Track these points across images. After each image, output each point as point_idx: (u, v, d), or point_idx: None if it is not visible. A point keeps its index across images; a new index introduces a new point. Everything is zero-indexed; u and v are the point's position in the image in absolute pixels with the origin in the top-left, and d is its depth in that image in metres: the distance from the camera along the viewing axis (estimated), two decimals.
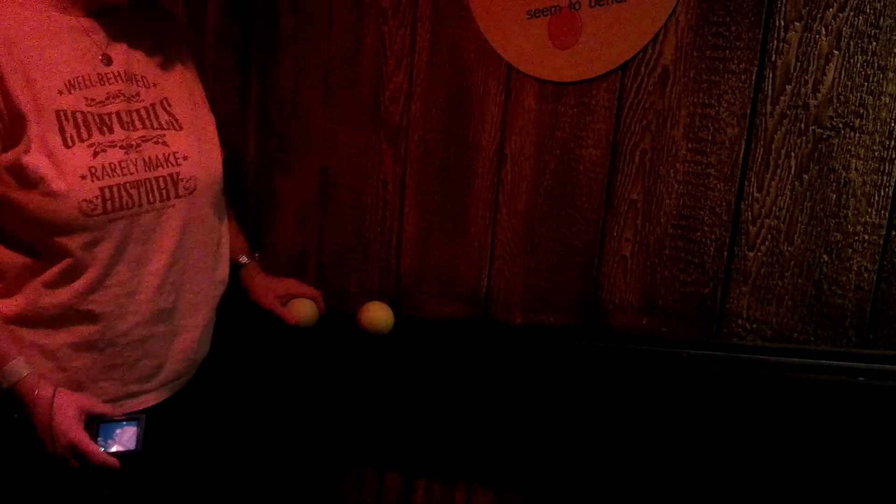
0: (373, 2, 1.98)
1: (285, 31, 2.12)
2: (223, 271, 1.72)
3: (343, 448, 2.13)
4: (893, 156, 1.43)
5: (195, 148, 1.58)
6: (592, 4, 1.70)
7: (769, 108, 1.54)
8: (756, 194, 1.57)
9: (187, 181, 1.55)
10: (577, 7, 1.71)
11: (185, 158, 1.55)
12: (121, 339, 1.52)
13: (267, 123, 2.18)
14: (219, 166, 1.64)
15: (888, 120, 1.43)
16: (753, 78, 1.55)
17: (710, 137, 1.60)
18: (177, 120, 1.56)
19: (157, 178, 1.49)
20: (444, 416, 1.94)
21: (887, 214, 1.44)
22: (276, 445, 2.19)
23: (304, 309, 1.92)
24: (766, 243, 1.56)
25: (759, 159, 1.56)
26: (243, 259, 1.90)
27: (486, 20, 1.83)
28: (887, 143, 1.43)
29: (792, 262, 1.54)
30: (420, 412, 1.97)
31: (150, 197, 1.48)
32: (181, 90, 1.61)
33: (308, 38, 2.09)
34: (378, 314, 1.94)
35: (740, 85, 1.56)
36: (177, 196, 1.53)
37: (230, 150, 1.96)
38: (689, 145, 1.63)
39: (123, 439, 1.44)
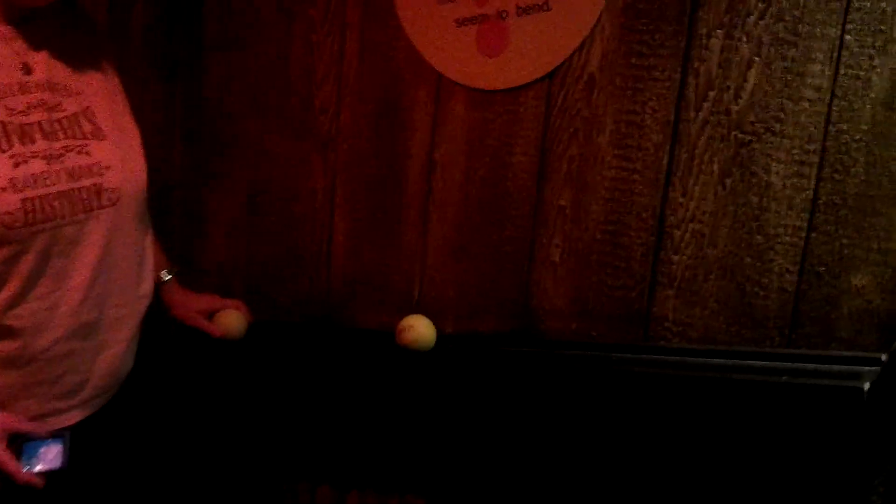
0: (300, 10, 1.97)
1: (212, 39, 2.09)
2: (148, 284, 1.69)
3: (274, 463, 2.09)
4: (813, 160, 1.47)
5: (119, 158, 1.54)
6: (519, 13, 1.71)
7: (692, 114, 1.57)
8: (680, 199, 1.60)
9: (111, 192, 1.51)
10: (505, 16, 1.73)
11: (108, 168, 1.51)
12: (42, 354, 1.47)
13: (194, 133, 2.15)
14: (143, 177, 1.61)
15: (807, 125, 1.47)
16: (677, 85, 1.58)
17: (635, 144, 1.63)
18: (100, 129, 1.53)
19: (79, 189, 1.46)
20: (376, 427, 1.92)
21: (807, 217, 1.48)
22: (205, 461, 2.15)
23: (230, 320, 1.89)
24: (691, 247, 1.59)
25: (683, 165, 1.59)
26: (164, 275, 1.86)
27: (414, 28, 1.84)
28: (806, 147, 1.47)
29: (716, 265, 1.57)
30: (353, 424, 1.95)
31: (73, 208, 1.45)
32: (105, 99, 1.57)
33: (235, 46, 2.07)
34: (423, 332, 1.84)
35: (664, 92, 1.59)
36: (100, 207, 1.49)
37: (156, 160, 1.93)
38: (616, 151, 1.65)
39: (48, 458, 1.40)
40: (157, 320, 1.82)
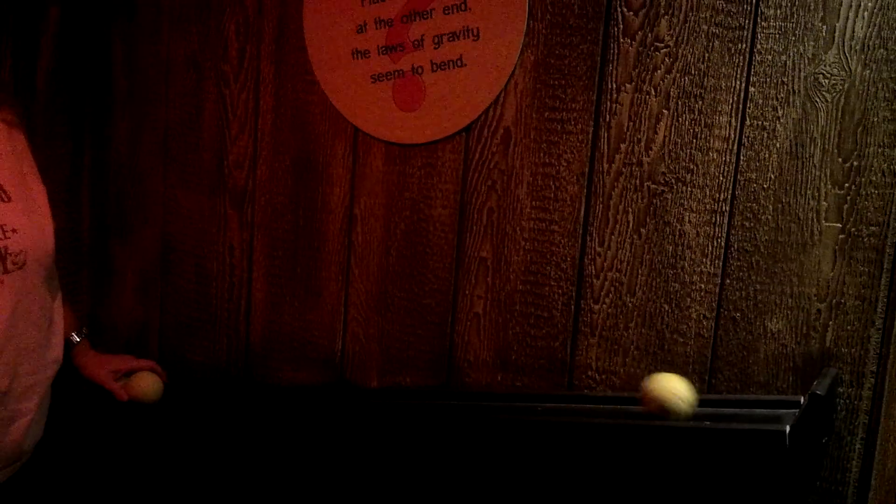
0: (213, 65, 1.95)
1: (120, 94, 2.06)
2: (58, 349, 1.63)
3: None
4: (724, 208, 1.52)
5: (25, 220, 1.50)
6: (434, 69, 1.73)
7: (606, 165, 1.61)
8: (598, 249, 1.62)
9: (16, 255, 1.46)
10: (420, 71, 1.75)
11: (14, 231, 1.47)
12: None
13: (102, 190, 2.10)
14: (50, 239, 1.56)
15: (717, 174, 1.52)
16: (590, 138, 1.61)
17: (552, 195, 1.66)
18: (5, 192, 1.48)
19: None
20: (299, 488, 1.88)
21: (721, 264, 1.53)
22: None
23: (144, 382, 1.84)
24: (610, 296, 1.62)
25: (600, 215, 1.62)
26: (74, 337, 1.81)
27: (330, 84, 1.84)
28: (717, 195, 1.52)
29: (635, 313, 1.60)
30: (274, 485, 1.91)
31: None
32: (9, 160, 1.53)
33: (145, 101, 2.04)
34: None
35: (578, 144, 1.62)
36: (5, 271, 1.44)
37: (63, 217, 1.87)
38: (534, 203, 1.67)
39: None
40: (69, 385, 1.76)
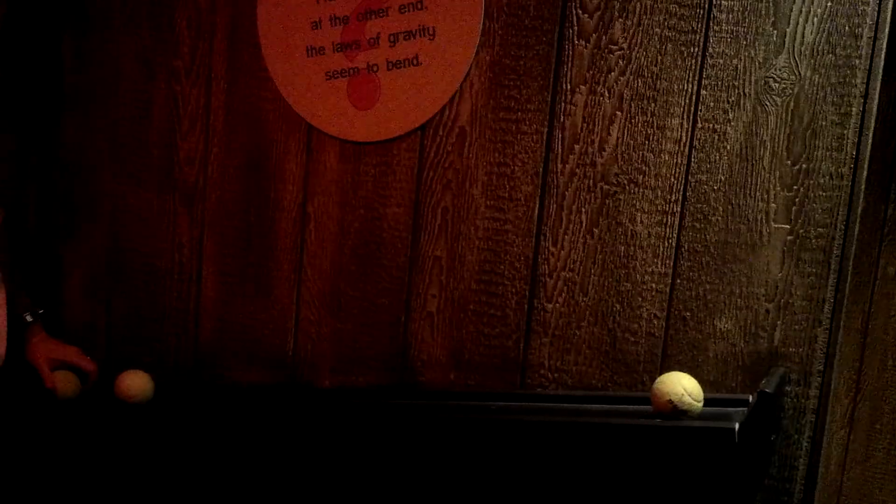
0: (163, 61, 1.92)
1: (69, 91, 2.02)
2: (1, 347, 1.59)
3: None
4: (675, 209, 1.53)
5: None
6: (390, 67, 1.73)
7: (560, 166, 1.61)
8: (552, 248, 1.63)
9: None
10: (375, 69, 1.74)
11: None
12: None
13: (49, 188, 2.05)
14: None
15: (668, 176, 1.54)
16: (544, 138, 1.62)
17: (507, 195, 1.66)
18: None
19: None
20: (249, 489, 1.86)
21: (672, 264, 1.54)
22: None
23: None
24: (563, 295, 1.63)
25: (553, 215, 1.63)
26: (28, 317, 1.79)
27: (284, 80, 1.82)
28: (668, 197, 1.54)
29: (587, 312, 1.61)
30: (222, 487, 1.88)
31: None
32: None
33: (94, 98, 2.00)
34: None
35: (532, 145, 1.63)
36: None
37: (8, 215, 1.83)
38: (488, 202, 1.68)
39: None
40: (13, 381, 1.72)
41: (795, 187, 1.46)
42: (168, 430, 1.88)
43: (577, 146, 1.60)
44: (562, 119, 1.61)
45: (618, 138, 1.57)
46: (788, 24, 1.44)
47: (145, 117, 1.96)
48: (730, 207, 1.50)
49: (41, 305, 1.86)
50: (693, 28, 1.50)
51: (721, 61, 1.49)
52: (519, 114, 1.64)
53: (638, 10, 1.53)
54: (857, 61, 1.41)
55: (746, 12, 1.46)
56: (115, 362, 2.03)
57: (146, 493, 1.91)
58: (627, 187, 1.57)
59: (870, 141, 1.42)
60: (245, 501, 1.86)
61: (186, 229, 1.95)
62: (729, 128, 1.50)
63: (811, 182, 1.45)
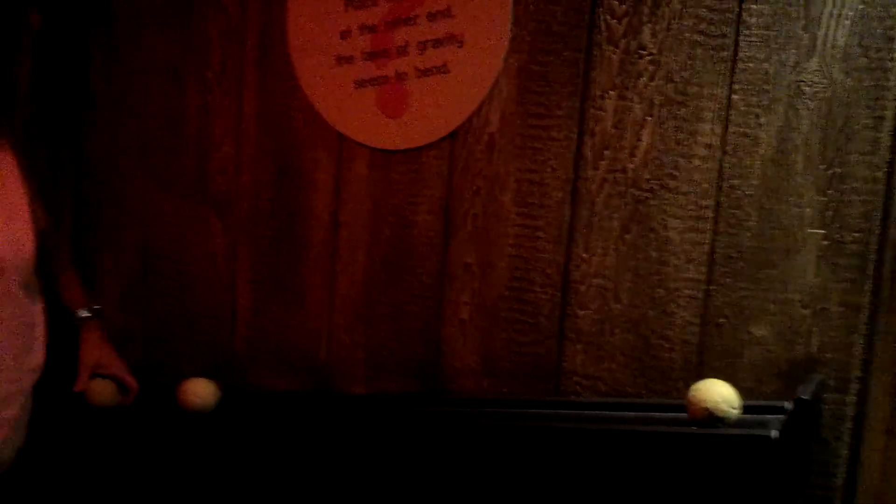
0: (194, 70, 1.94)
1: (100, 101, 2.04)
2: (38, 356, 1.62)
3: None
4: (707, 214, 1.53)
5: (3, 226, 1.49)
6: (419, 75, 1.73)
7: (590, 172, 1.61)
8: (583, 255, 1.63)
9: None
10: (404, 77, 1.75)
11: None
12: None
13: (83, 198, 2.08)
14: (29, 245, 1.55)
15: (700, 181, 1.53)
16: (574, 144, 1.62)
17: (537, 202, 1.66)
18: None
19: None
20: (283, 494, 1.87)
21: (706, 270, 1.54)
22: None
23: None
24: (596, 302, 1.63)
25: (585, 221, 1.62)
26: (83, 313, 1.81)
27: (314, 89, 1.84)
28: (701, 202, 1.53)
29: (621, 319, 1.61)
30: (260, 493, 1.90)
31: None
32: None
33: (125, 107, 2.03)
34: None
35: (562, 151, 1.63)
36: None
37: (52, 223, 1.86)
38: (519, 209, 1.68)
39: None
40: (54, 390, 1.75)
41: (830, 192, 1.44)
42: (203, 436, 1.91)
43: (607, 152, 1.60)
44: (591, 125, 1.60)
45: (649, 143, 1.56)
46: (819, 27, 1.43)
47: (177, 127, 1.98)
48: (763, 213, 1.49)
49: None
50: (723, 32, 1.49)
51: (752, 65, 1.48)
52: (548, 120, 1.64)
53: (667, 15, 1.53)
54: (891, 64, 1.40)
55: (777, 16, 1.45)
56: (150, 370, 2.05)
57: (178, 497, 1.94)
58: (659, 193, 1.56)
59: None
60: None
61: (220, 238, 1.97)
62: (761, 132, 1.49)
63: (845, 186, 1.43)
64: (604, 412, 1.57)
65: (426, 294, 1.77)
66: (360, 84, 1.79)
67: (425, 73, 1.73)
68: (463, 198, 1.72)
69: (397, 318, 1.81)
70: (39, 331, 1.63)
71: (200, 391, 1.82)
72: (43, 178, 2.04)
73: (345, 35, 1.79)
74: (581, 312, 1.64)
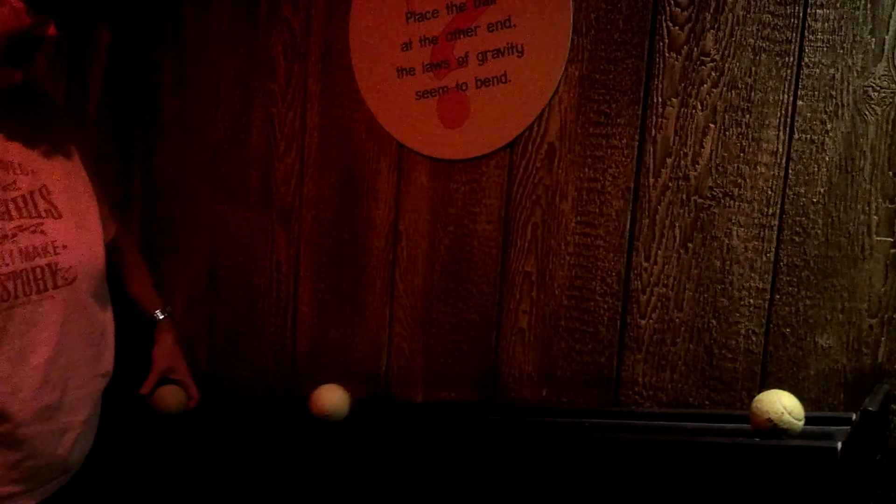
0: (261, 84, 1.98)
1: (169, 114, 2.09)
2: (108, 362, 1.66)
3: None
4: (772, 223, 1.50)
5: (75, 236, 1.52)
6: (479, 85, 1.74)
7: (651, 180, 1.60)
8: (644, 263, 1.62)
9: (66, 271, 1.49)
10: (465, 88, 1.76)
11: (64, 248, 1.49)
12: (2, 439, 1.42)
13: (152, 208, 2.14)
14: (101, 255, 1.59)
15: (765, 188, 1.51)
16: (635, 152, 1.61)
17: (597, 210, 1.65)
18: (56, 207, 1.50)
19: (34, 269, 1.43)
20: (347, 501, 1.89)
21: (770, 279, 1.51)
22: None
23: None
24: (657, 311, 1.61)
25: (646, 230, 1.61)
26: (157, 315, 1.87)
27: (375, 101, 1.86)
28: (765, 210, 1.51)
29: (682, 329, 1.59)
30: (321, 499, 1.91)
31: (27, 288, 1.42)
32: (61, 177, 1.55)
33: (193, 120, 2.08)
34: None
35: (623, 159, 1.62)
36: (55, 287, 1.46)
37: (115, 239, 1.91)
38: (579, 218, 1.67)
39: None
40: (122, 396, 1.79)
41: None
42: (266, 445, 1.93)
43: (669, 160, 1.58)
44: (653, 133, 1.59)
45: (711, 151, 1.55)
46: (887, 31, 1.40)
47: (243, 139, 2.02)
48: (830, 220, 1.46)
49: (145, 321, 1.94)
50: (787, 38, 1.47)
51: (817, 71, 1.46)
52: (609, 128, 1.63)
53: (730, 21, 1.51)
54: None
55: (843, 20, 1.43)
56: (216, 377, 2.09)
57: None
58: (722, 200, 1.54)
59: None
60: None
61: (284, 247, 2.00)
62: (827, 139, 1.46)
63: None
64: (665, 423, 1.55)
65: (485, 303, 1.78)
66: (421, 95, 1.81)
67: (485, 83, 1.74)
68: (522, 207, 1.72)
69: (456, 326, 1.81)
70: (109, 337, 1.67)
71: (335, 399, 1.81)
72: (113, 188, 2.11)
73: (406, 47, 1.82)
74: (642, 322, 1.62)
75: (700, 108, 1.55)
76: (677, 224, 1.58)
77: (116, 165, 2.13)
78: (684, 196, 1.57)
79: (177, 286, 2.14)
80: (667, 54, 1.57)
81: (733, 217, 1.54)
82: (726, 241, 1.54)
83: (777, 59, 1.49)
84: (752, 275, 1.52)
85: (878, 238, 1.43)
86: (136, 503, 2.01)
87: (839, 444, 1.26)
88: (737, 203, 1.53)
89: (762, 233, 1.51)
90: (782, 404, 1.36)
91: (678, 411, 1.57)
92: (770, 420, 1.35)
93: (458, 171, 1.79)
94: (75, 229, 1.54)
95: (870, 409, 1.28)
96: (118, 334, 1.72)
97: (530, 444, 1.65)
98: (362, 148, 1.88)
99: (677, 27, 1.56)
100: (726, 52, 1.52)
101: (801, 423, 1.36)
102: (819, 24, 1.45)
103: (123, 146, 2.14)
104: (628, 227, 1.63)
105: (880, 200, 1.42)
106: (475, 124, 1.76)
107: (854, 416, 1.35)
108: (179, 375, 1.89)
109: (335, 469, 1.87)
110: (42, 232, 1.46)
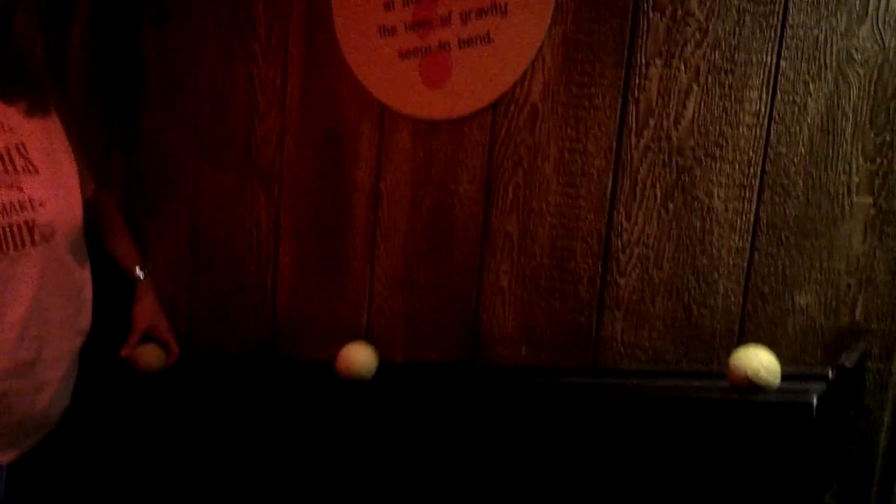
0: (242, 44, 1.96)
1: (150, 74, 2.07)
2: (85, 320, 1.65)
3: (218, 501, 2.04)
4: (753, 182, 1.51)
5: (52, 193, 1.51)
6: (461, 45, 1.73)
7: (634, 140, 1.60)
8: (625, 223, 1.62)
9: (44, 227, 1.48)
10: (447, 48, 1.75)
11: (41, 204, 1.48)
12: None
13: (133, 169, 2.12)
14: (78, 212, 1.58)
15: (746, 149, 1.51)
16: (618, 113, 1.61)
17: (579, 170, 1.65)
18: (33, 164, 1.49)
19: (10, 226, 1.42)
20: (325, 463, 1.89)
21: (749, 238, 1.52)
22: (146, 500, 2.09)
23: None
24: (637, 270, 1.62)
25: (627, 190, 1.61)
26: (137, 273, 1.87)
27: (358, 61, 1.84)
28: (746, 170, 1.51)
29: (662, 288, 1.60)
30: (300, 460, 1.92)
31: (4, 245, 1.41)
32: (39, 135, 1.54)
33: (175, 81, 2.06)
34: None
35: (606, 119, 1.62)
36: (33, 243, 1.46)
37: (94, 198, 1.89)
38: (560, 178, 1.67)
39: None
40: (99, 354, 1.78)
41: (878, 159, 1.42)
42: (245, 403, 1.94)
43: (651, 120, 1.58)
44: (636, 93, 1.59)
45: (694, 111, 1.55)
46: None
47: (225, 100, 2.00)
48: (810, 181, 1.47)
49: (126, 282, 1.92)
50: None
51: (801, 32, 1.46)
52: (592, 89, 1.63)
53: None
54: None
55: None
56: (198, 338, 2.09)
57: (226, 458, 1.96)
58: (704, 161, 1.55)
59: None
60: (321, 471, 1.90)
61: (264, 209, 1.99)
62: (809, 100, 1.46)
63: (895, 154, 1.41)
64: (643, 380, 1.56)
65: (466, 264, 1.78)
66: (404, 55, 1.80)
67: (468, 43, 1.72)
68: (505, 167, 1.72)
69: (437, 287, 1.81)
70: (87, 295, 1.66)
71: (363, 357, 1.79)
72: (94, 146, 2.09)
73: (388, 6, 1.80)
74: (621, 281, 1.63)
75: (683, 68, 1.55)
76: (658, 184, 1.58)
77: (98, 125, 2.11)
78: (666, 156, 1.57)
79: (158, 247, 2.12)
80: (651, 14, 1.56)
81: (714, 177, 1.54)
82: (707, 201, 1.55)
83: (761, 19, 1.48)
84: (732, 234, 1.53)
85: (858, 198, 1.43)
86: (114, 459, 2.01)
87: (815, 400, 1.28)
88: (718, 163, 1.53)
89: (743, 193, 1.52)
90: (759, 361, 1.37)
91: (656, 369, 1.58)
92: (747, 377, 1.36)
93: (440, 132, 1.78)
94: (52, 186, 1.53)
95: (845, 365, 1.30)
96: (98, 294, 1.72)
97: (510, 403, 1.66)
98: (344, 108, 1.87)
99: None
100: (710, 13, 1.52)
101: (778, 380, 1.37)
102: None
103: (105, 106, 2.11)
104: (610, 187, 1.63)
105: (861, 161, 1.43)
106: (458, 84, 1.75)
107: (830, 373, 1.36)
108: (160, 333, 1.88)
109: (314, 428, 1.88)
110: (19, 188, 1.45)
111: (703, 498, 1.50)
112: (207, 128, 2.03)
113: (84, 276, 1.65)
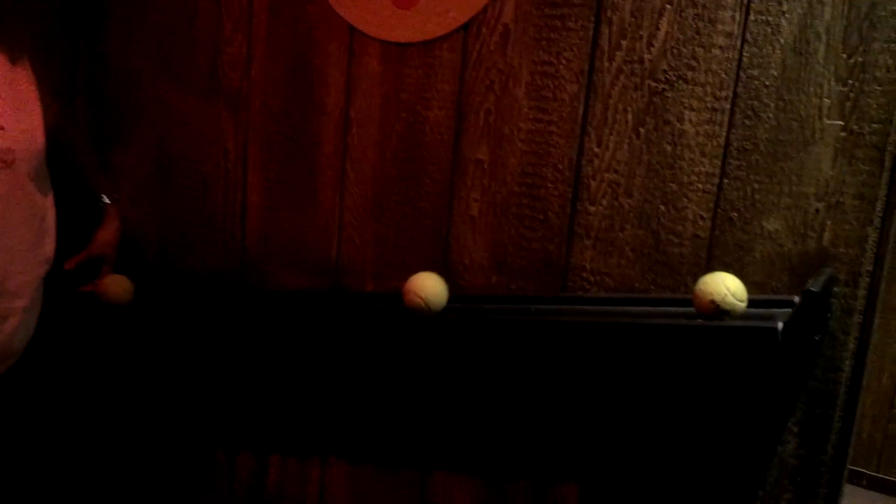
0: None
1: None
2: (49, 248, 1.63)
3: (189, 430, 2.05)
4: (724, 106, 1.48)
5: (12, 118, 1.48)
6: None
7: (606, 63, 1.57)
8: (596, 149, 1.59)
9: (4, 153, 1.45)
10: None
11: (1, 129, 1.45)
12: None
13: (98, 95, 2.07)
14: (40, 137, 1.55)
15: (718, 71, 1.48)
16: (591, 34, 1.57)
17: (551, 95, 1.62)
18: None
19: None
20: (295, 390, 1.89)
21: (720, 163, 1.50)
22: (116, 430, 2.09)
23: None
24: (607, 197, 1.60)
25: (598, 115, 1.58)
26: (104, 199, 1.88)
27: None
28: (718, 93, 1.48)
29: (631, 215, 1.58)
30: (270, 387, 1.92)
31: None
32: (1, 62, 1.51)
33: (138, 2, 2.00)
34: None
35: (578, 42, 1.58)
36: None
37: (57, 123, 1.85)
38: (532, 103, 1.64)
39: None
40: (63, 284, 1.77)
41: (850, 82, 1.39)
42: (214, 332, 1.93)
43: (624, 42, 1.55)
44: (609, 14, 1.55)
45: (667, 33, 1.51)
46: None
47: (189, 22, 1.95)
48: (782, 104, 1.44)
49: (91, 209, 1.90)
50: None
51: None
52: (565, 9, 1.59)
53: None
54: None
55: None
56: (165, 267, 2.07)
57: (194, 387, 1.97)
58: (676, 84, 1.52)
59: None
60: (290, 401, 1.90)
61: (232, 135, 1.95)
62: (783, 20, 1.43)
63: (867, 76, 1.38)
64: (611, 307, 1.56)
65: (437, 191, 1.75)
66: None
67: None
68: (476, 92, 1.68)
69: (407, 215, 1.79)
70: (50, 223, 1.64)
71: (435, 287, 1.64)
72: (56, 72, 2.04)
73: None
74: (591, 208, 1.61)
75: None
76: (630, 108, 1.56)
77: (62, 51, 2.06)
78: (638, 80, 1.54)
79: (125, 175, 2.09)
80: None
81: (686, 101, 1.51)
82: (678, 125, 1.52)
83: None
84: (703, 159, 1.51)
85: (829, 121, 1.41)
86: (78, 388, 2.01)
87: (780, 325, 1.27)
88: (690, 86, 1.50)
89: (714, 117, 1.49)
90: (725, 286, 1.36)
91: (624, 296, 1.57)
92: (713, 302, 1.36)
93: (410, 55, 1.74)
94: (13, 111, 1.50)
95: (812, 289, 1.29)
96: (62, 225, 1.69)
97: (479, 331, 1.65)
98: (312, 31, 1.82)
99: None
100: None
101: (744, 304, 1.36)
102: None
103: (68, 30, 2.06)
104: (581, 112, 1.60)
105: (833, 83, 1.40)
106: (428, 5, 1.70)
107: (797, 299, 1.36)
108: (108, 263, 1.87)
109: (284, 356, 1.87)
110: None
111: (669, 422, 1.51)
112: (173, 51, 1.98)
113: (47, 203, 1.62)
